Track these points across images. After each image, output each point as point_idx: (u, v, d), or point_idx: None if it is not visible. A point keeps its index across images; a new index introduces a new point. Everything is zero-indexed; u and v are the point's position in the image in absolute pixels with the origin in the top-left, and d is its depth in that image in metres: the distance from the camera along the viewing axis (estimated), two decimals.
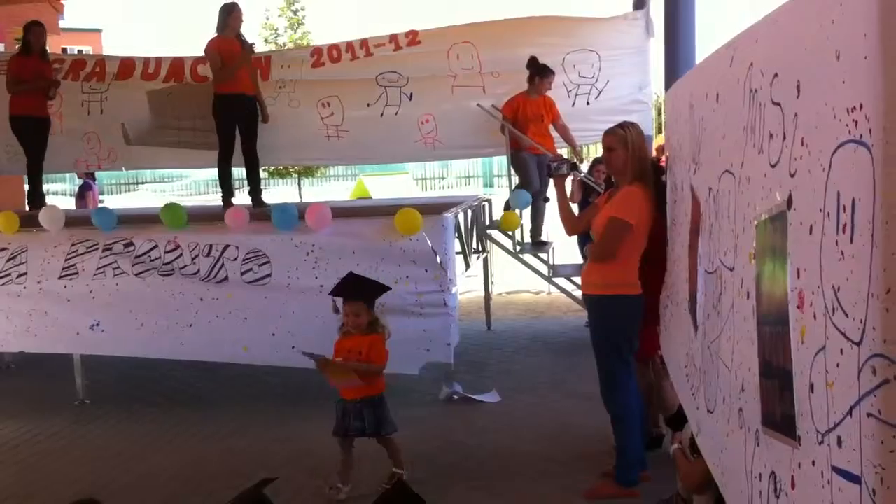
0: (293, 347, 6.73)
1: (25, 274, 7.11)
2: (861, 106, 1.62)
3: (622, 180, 4.85)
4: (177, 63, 9.98)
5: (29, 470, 5.71)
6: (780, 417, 2.18)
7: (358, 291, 5.22)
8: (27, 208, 8.78)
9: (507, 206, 8.79)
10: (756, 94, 2.49)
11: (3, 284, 7.09)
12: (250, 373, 7.28)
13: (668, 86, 7.02)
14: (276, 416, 6.57)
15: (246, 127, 8.42)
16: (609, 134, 4.84)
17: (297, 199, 19.43)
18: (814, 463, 1.89)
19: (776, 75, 2.26)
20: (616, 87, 9.66)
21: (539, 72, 8.70)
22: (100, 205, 8.49)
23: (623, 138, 4.77)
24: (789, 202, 2.10)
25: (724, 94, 3.04)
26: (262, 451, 5.78)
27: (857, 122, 1.64)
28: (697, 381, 3.43)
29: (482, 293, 9.63)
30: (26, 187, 15.84)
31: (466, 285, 10.75)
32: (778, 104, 2.23)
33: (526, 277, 10.18)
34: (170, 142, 10.20)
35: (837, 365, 1.74)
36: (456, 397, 6.74)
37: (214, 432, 6.28)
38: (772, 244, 2.28)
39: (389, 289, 5.48)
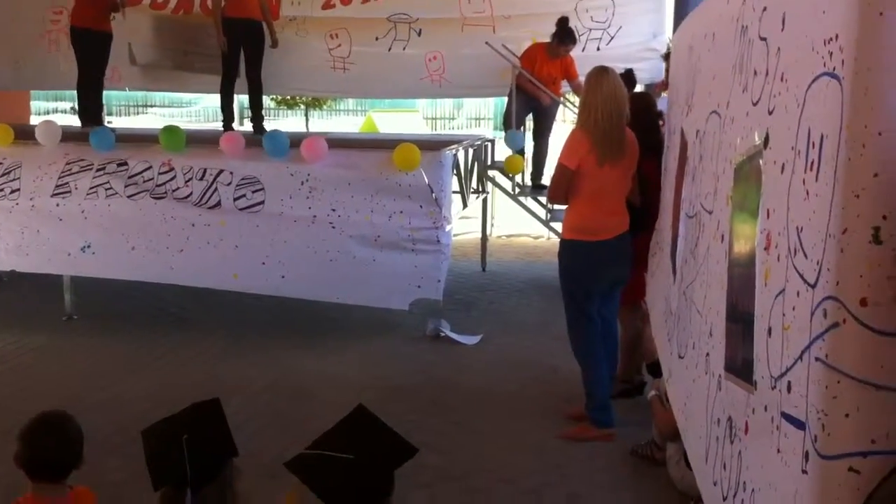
0: (283, 277, 6.73)
1: (18, 190, 7.04)
2: (837, 37, 1.54)
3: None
4: None
5: (7, 382, 5.72)
6: (740, 362, 2.13)
7: None
8: (80, 125, 8.66)
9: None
10: (746, 30, 2.40)
11: None
12: (239, 300, 7.26)
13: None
14: (261, 343, 6.56)
15: (251, 52, 8.30)
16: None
17: (304, 131, 19.33)
18: (766, 408, 1.85)
19: (765, 9, 2.17)
20: (628, 33, 9.50)
21: (561, 38, 8.38)
22: (106, 125, 8.36)
23: (586, 81, 4.72)
24: (766, 141, 2.02)
25: (720, 33, 2.94)
26: (242, 377, 5.77)
27: (832, 53, 1.57)
28: (673, 326, 3.38)
29: (481, 234, 9.56)
30: (32, 104, 15.74)
31: (465, 226, 10.69)
32: (764, 39, 2.15)
33: (526, 221, 10.10)
34: (175, 65, 10.11)
35: (794, 308, 1.68)
36: (442, 334, 6.72)
37: (197, 356, 6.27)
38: (747, 185, 2.21)
39: None
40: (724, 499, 2.16)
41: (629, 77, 8.67)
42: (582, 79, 8.34)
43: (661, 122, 5.38)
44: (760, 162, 2.05)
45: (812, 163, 1.63)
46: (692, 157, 3.21)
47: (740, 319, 2.14)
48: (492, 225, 10.56)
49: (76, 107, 10.12)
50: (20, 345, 6.51)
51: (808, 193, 1.63)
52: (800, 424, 1.60)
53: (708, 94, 3.01)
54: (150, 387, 5.59)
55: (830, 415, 1.48)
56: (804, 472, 1.57)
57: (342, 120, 26.76)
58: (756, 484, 1.89)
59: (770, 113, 2.00)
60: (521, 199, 8.69)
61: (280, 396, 5.46)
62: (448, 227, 6.75)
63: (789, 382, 1.68)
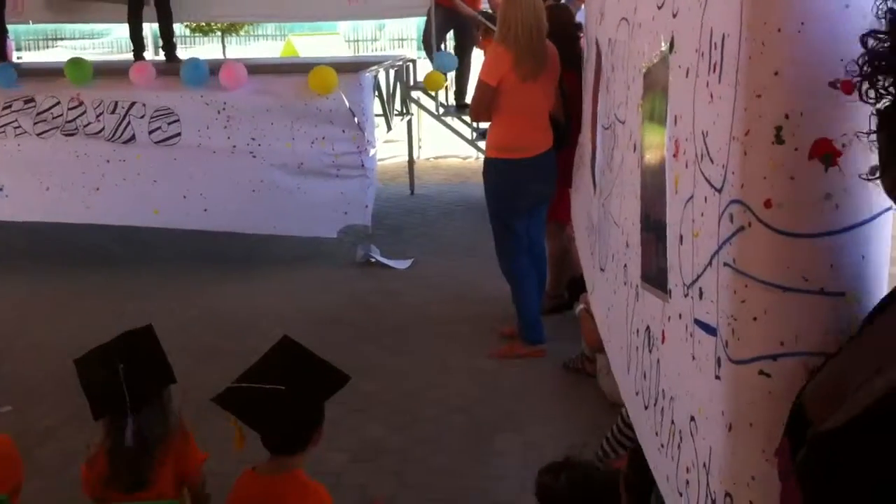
0: (205, 210, 6.59)
1: None
2: None
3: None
4: None
5: None
6: (655, 271, 2.12)
7: None
8: None
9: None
10: None
11: None
12: (163, 235, 7.09)
13: None
14: (188, 278, 6.44)
15: None
16: None
17: (221, 58, 18.84)
18: (680, 316, 1.84)
19: None
20: None
21: None
22: (15, 59, 7.97)
23: None
24: (671, 45, 1.97)
25: None
26: (170, 313, 5.65)
27: None
28: (594, 240, 3.38)
29: (407, 157, 9.45)
30: None
31: (391, 149, 10.55)
32: None
33: (453, 141, 10.01)
34: None
35: (702, 214, 1.66)
36: (372, 260, 6.67)
37: (124, 295, 6.13)
38: (655, 92, 2.17)
39: None
40: (646, 408, 2.18)
41: None
42: None
43: (580, 35, 5.31)
44: (667, 67, 2.00)
45: (715, 65, 1.59)
46: (605, 67, 3.16)
47: (654, 228, 2.12)
48: (418, 147, 10.46)
49: None
50: None
51: (712, 96, 1.60)
52: (711, 330, 1.59)
53: (618, 1, 2.95)
54: (76, 329, 5.45)
55: (739, 319, 1.47)
56: (717, 377, 1.57)
57: (261, 45, 26.09)
58: (674, 392, 1.90)
59: (675, 16, 1.95)
60: (446, 119, 8.58)
61: (211, 330, 5.39)
62: (372, 151, 6.65)
63: (700, 289, 1.67)
